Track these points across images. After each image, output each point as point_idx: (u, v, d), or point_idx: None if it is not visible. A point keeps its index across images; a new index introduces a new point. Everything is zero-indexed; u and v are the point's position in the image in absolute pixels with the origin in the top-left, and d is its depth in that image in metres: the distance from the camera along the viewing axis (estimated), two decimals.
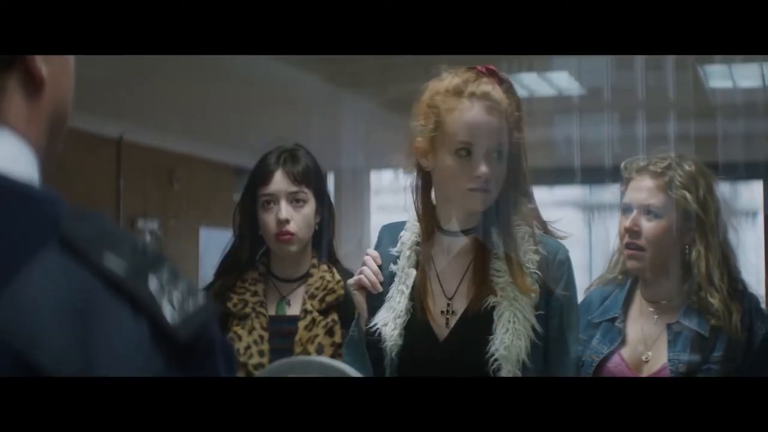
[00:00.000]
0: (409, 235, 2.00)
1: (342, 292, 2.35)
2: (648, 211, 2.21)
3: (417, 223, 1.99)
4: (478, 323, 1.88)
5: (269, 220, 2.35)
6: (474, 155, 1.86)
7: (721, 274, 2.17)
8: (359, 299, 2.00)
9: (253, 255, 2.42)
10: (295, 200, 2.37)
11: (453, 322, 1.90)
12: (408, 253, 1.97)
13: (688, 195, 2.18)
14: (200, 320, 0.75)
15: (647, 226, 2.21)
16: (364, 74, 5.30)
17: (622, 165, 2.30)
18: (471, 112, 1.88)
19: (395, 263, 1.98)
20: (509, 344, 1.84)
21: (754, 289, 2.26)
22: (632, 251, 2.23)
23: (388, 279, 1.98)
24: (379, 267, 2.00)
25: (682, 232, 2.20)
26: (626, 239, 2.23)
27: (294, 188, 2.37)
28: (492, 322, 1.87)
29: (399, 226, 2.04)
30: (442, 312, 1.92)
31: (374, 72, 5.13)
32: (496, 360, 1.84)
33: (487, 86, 1.91)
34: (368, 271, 1.99)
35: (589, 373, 2.20)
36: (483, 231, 1.93)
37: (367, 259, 2.01)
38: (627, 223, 2.23)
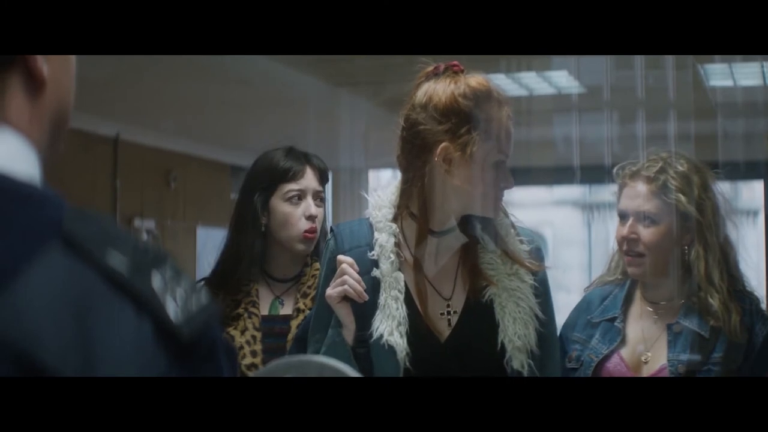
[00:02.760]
0: (387, 237, 1.90)
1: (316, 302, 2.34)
2: (644, 217, 2.20)
3: (392, 224, 1.91)
4: (479, 317, 1.87)
5: (295, 214, 2.35)
6: (506, 165, 1.86)
7: (721, 273, 2.16)
8: (345, 311, 1.88)
9: (258, 252, 2.40)
10: (319, 199, 2.39)
11: (455, 321, 1.89)
12: (391, 257, 1.89)
13: (682, 197, 2.17)
14: (203, 319, 0.75)
15: (645, 232, 2.20)
16: (362, 74, 5.29)
17: (615, 170, 2.29)
18: (507, 120, 1.86)
19: (376, 267, 1.89)
20: (522, 334, 1.84)
21: (755, 290, 2.25)
22: (632, 258, 2.23)
23: (369, 285, 1.88)
24: (358, 273, 1.89)
25: (681, 233, 2.19)
26: (625, 247, 2.22)
27: (319, 187, 2.40)
28: (493, 315, 1.86)
29: (359, 226, 1.96)
30: (441, 314, 1.89)
31: (372, 71, 5.13)
32: (507, 352, 1.83)
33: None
34: (351, 281, 1.86)
35: (588, 373, 2.20)
36: (473, 225, 1.91)
37: (345, 267, 1.87)
38: (624, 231, 2.22)
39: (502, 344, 1.84)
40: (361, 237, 1.93)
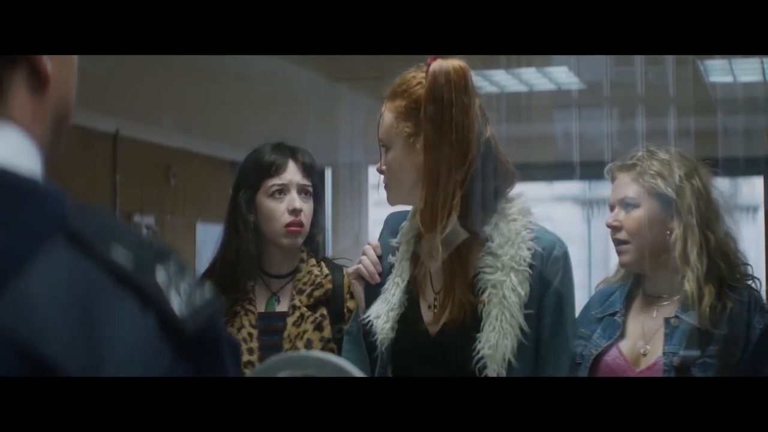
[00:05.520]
0: (410, 226, 1.97)
1: (330, 286, 2.35)
2: (625, 204, 2.25)
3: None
4: (465, 321, 1.87)
5: (279, 209, 2.34)
6: (380, 150, 1.98)
7: (699, 255, 2.16)
8: (357, 289, 2.01)
9: (254, 249, 2.39)
10: (304, 192, 2.37)
11: (441, 317, 1.89)
12: (406, 245, 1.95)
13: (660, 181, 2.21)
14: (208, 313, 0.75)
15: (626, 218, 2.24)
16: (362, 69, 5.28)
17: (606, 170, 2.34)
18: (381, 112, 1.97)
19: (394, 254, 1.96)
20: (494, 343, 1.82)
21: (755, 283, 2.25)
22: (618, 247, 2.27)
23: (388, 270, 1.96)
24: (379, 257, 1.99)
25: (665, 219, 2.21)
26: (612, 236, 2.27)
27: (304, 181, 2.37)
28: (480, 320, 1.86)
29: (404, 216, 2.01)
30: (429, 307, 1.91)
31: (371, 67, 5.12)
32: (481, 358, 1.82)
33: None
34: (367, 261, 1.99)
35: (587, 366, 2.21)
36: (477, 225, 1.91)
37: (367, 248, 2.01)
38: (609, 220, 2.27)
39: (477, 350, 1.84)
40: (398, 225, 2.01)
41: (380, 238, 2.02)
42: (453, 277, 1.89)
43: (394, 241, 1.97)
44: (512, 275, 1.85)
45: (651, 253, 2.22)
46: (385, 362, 1.91)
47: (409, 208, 2.00)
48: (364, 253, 2.01)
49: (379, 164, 1.94)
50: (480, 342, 1.83)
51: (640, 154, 2.26)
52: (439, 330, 1.89)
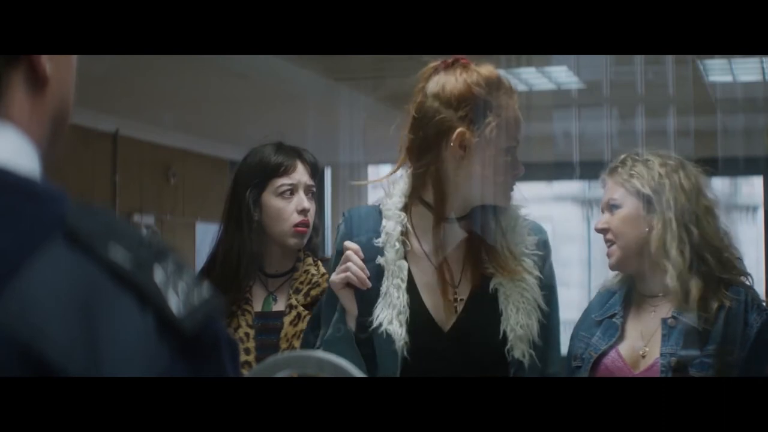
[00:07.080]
0: (394, 224, 1.91)
1: (327, 285, 2.34)
2: (611, 206, 2.28)
3: (400, 213, 1.91)
4: (483, 307, 1.88)
5: (288, 209, 2.34)
6: (516, 151, 1.92)
7: (681, 250, 2.17)
8: (348, 297, 1.90)
9: (257, 248, 2.38)
10: (311, 192, 2.38)
11: (460, 308, 1.90)
12: (396, 245, 1.90)
13: (637, 180, 2.24)
14: (206, 312, 0.74)
15: (612, 219, 2.27)
16: (362, 69, 5.28)
17: (600, 179, 2.37)
18: (516, 108, 1.95)
19: (381, 255, 1.90)
20: (524, 323, 1.85)
21: (748, 279, 2.25)
22: (607, 249, 2.29)
23: (374, 272, 1.89)
24: (363, 260, 1.90)
25: (645, 217, 2.23)
26: (604, 240, 2.29)
27: (311, 181, 2.39)
28: (497, 304, 1.87)
29: (368, 213, 1.97)
30: (450, 301, 1.91)
31: (372, 66, 5.12)
32: (509, 341, 1.85)
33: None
34: (354, 268, 1.88)
35: (587, 368, 2.21)
36: (480, 215, 1.93)
37: (350, 254, 1.89)
38: (597, 225, 2.30)
39: (504, 333, 1.85)
40: (369, 224, 1.94)
41: (351, 239, 1.92)
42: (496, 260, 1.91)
43: (377, 242, 1.91)
44: (523, 257, 1.91)
45: (635, 252, 2.24)
46: (404, 365, 1.87)
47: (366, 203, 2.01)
48: (347, 259, 1.89)
49: (520, 167, 1.95)
50: (508, 324, 1.86)
51: (623, 157, 2.30)
52: (453, 324, 1.89)
